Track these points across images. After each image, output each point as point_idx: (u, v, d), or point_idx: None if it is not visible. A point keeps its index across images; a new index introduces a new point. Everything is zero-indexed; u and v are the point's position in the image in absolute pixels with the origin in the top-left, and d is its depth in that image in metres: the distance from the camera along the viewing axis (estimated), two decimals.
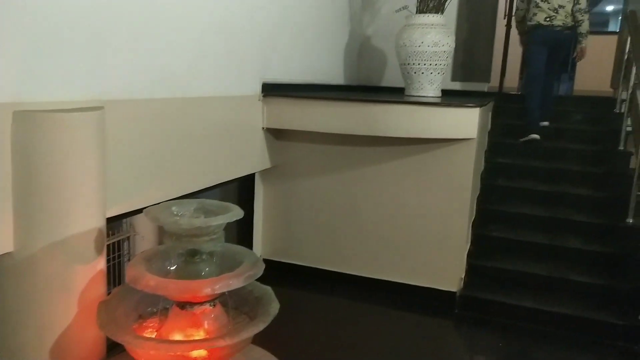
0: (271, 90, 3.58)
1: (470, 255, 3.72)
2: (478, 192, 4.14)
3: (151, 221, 1.94)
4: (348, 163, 3.77)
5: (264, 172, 3.92)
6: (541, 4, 4.40)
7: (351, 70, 5.29)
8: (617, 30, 7.13)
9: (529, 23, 4.55)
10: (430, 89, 4.29)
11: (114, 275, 3.66)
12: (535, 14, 4.45)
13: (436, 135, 3.37)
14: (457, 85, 5.19)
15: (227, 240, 2.14)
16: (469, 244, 3.80)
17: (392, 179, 3.67)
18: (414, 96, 4.25)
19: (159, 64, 2.51)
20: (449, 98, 4.20)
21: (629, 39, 4.42)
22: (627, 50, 4.47)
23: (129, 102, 2.34)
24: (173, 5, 2.56)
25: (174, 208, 2.07)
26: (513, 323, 3.35)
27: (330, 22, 4.68)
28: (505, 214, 4.03)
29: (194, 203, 2.15)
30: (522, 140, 4.54)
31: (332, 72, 4.85)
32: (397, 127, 3.37)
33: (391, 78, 5.22)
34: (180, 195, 2.75)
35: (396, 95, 4.33)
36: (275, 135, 3.79)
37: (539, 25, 4.45)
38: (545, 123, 4.68)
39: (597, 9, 10.11)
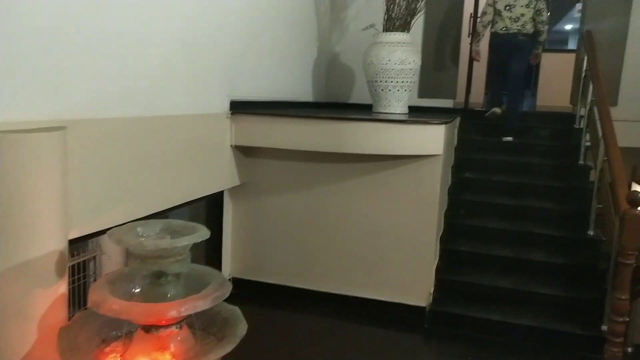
0: (239, 107, 3.58)
1: (438, 269, 3.77)
2: (446, 207, 4.20)
3: (115, 243, 1.91)
4: (318, 180, 3.78)
5: (233, 190, 3.90)
6: (503, 13, 4.68)
7: (320, 87, 5.34)
8: (576, 49, 7.40)
9: (491, 30, 4.85)
10: (398, 105, 4.36)
11: (79, 296, 3.56)
12: (496, 22, 4.75)
13: (403, 152, 3.42)
14: (424, 102, 5.28)
15: (196, 259, 2.12)
16: (438, 259, 3.84)
17: (361, 195, 3.70)
18: (381, 113, 4.31)
19: (123, 83, 2.48)
20: (416, 114, 4.28)
21: (585, 57, 4.59)
22: (584, 68, 4.63)
23: (92, 122, 2.30)
24: (137, 25, 2.54)
25: (139, 229, 2.03)
26: (481, 336, 3.40)
27: (298, 40, 4.73)
28: (473, 228, 4.10)
29: (159, 223, 2.12)
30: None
31: (301, 89, 4.88)
32: (365, 144, 3.41)
33: (360, 95, 5.29)
34: (147, 214, 2.71)
35: (364, 112, 4.38)
36: (244, 152, 3.78)
37: (496, 34, 4.79)
38: (509, 138, 4.82)
39: (557, 27, 10.48)
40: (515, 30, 4.66)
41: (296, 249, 3.89)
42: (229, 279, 3.91)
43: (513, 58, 4.74)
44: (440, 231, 3.97)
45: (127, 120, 2.53)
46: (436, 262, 3.79)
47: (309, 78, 5.04)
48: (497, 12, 4.72)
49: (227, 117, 3.51)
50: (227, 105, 3.49)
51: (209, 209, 3.96)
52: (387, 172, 3.60)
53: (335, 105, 5.46)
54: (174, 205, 3.03)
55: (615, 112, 4.09)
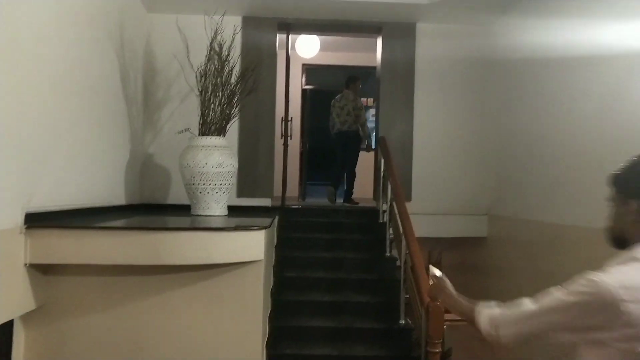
0: (37, 220, 3.14)
1: None
2: (270, 309, 4.17)
3: None
4: (131, 295, 3.45)
5: (27, 315, 3.32)
6: (336, 119, 6.53)
7: (133, 189, 5.06)
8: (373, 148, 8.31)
9: (332, 131, 6.66)
10: (217, 207, 4.33)
11: None
12: (334, 125, 6.61)
13: (223, 260, 3.34)
14: (243, 201, 5.34)
15: None
16: None
17: (182, 307, 3.46)
18: (200, 216, 4.23)
19: None
20: (236, 214, 4.30)
21: (382, 159, 5.19)
22: (382, 168, 5.20)
23: None
24: None
25: None
26: None
27: (109, 141, 4.46)
28: (297, 329, 4.13)
29: None
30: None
31: (112, 193, 4.56)
32: (184, 255, 3.25)
33: (177, 195, 5.13)
34: None
35: (182, 212, 4.25)
36: (43, 270, 3.29)
37: (336, 131, 6.59)
38: (332, 191, 6.51)
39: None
40: (346, 128, 6.47)
41: None
42: None
43: (346, 149, 6.55)
44: (266, 336, 3.90)
45: None
46: None
47: (121, 180, 4.74)
48: (332, 119, 6.60)
49: (21, 233, 3.06)
50: (20, 219, 3.05)
51: None
52: (208, 281, 3.45)
53: (150, 206, 5.22)
54: None
55: (410, 207, 4.63)
